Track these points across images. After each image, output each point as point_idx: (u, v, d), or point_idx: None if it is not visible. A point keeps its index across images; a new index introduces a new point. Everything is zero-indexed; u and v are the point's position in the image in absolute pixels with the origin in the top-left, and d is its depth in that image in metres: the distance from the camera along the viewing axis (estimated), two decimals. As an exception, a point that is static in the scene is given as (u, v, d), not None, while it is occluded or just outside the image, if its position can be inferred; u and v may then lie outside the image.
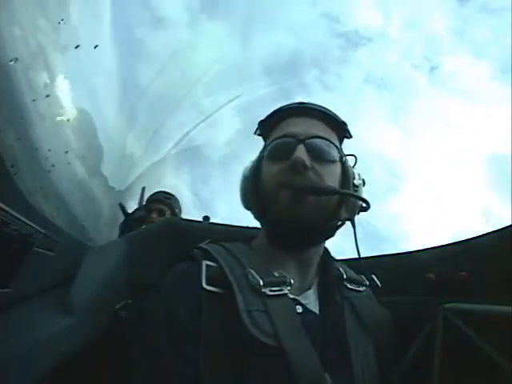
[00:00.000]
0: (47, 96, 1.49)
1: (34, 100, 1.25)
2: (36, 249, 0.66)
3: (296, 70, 5.80)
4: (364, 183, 0.65)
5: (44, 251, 0.70)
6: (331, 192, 0.57)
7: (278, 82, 5.29)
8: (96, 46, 2.50)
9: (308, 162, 0.57)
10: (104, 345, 0.76)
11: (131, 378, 0.49)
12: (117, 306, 0.83)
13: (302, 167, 0.56)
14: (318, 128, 0.62)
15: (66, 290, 0.78)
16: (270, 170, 0.60)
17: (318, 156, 0.59)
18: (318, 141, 0.60)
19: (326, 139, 0.60)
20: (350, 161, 0.66)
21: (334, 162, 0.60)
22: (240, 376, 0.47)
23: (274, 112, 0.66)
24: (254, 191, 0.63)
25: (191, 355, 0.47)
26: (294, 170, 0.56)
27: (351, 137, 0.68)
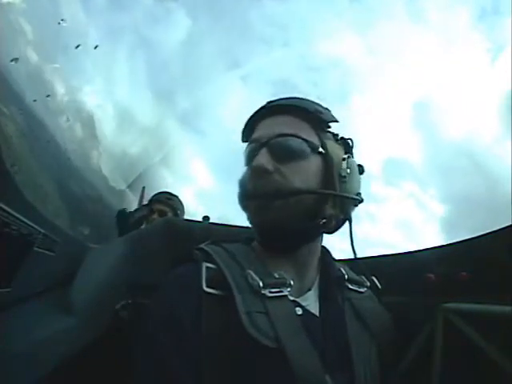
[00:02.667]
0: (48, 96, 1.49)
1: (34, 100, 1.25)
2: (36, 249, 0.66)
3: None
4: (362, 170, 0.62)
5: (44, 251, 0.69)
6: (293, 193, 0.54)
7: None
8: (96, 47, 2.51)
9: (270, 165, 0.56)
10: (104, 345, 0.76)
11: (131, 378, 0.49)
12: (117, 306, 0.83)
13: (262, 173, 0.55)
14: (286, 125, 0.59)
15: (66, 289, 0.78)
16: (246, 177, 0.61)
17: (283, 156, 0.56)
18: (282, 140, 0.57)
19: (292, 135, 0.57)
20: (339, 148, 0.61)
21: (304, 157, 0.57)
22: (240, 377, 0.46)
23: (250, 118, 0.65)
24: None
25: (191, 357, 0.46)
26: (254, 176, 0.57)
27: (336, 121, 0.63)
